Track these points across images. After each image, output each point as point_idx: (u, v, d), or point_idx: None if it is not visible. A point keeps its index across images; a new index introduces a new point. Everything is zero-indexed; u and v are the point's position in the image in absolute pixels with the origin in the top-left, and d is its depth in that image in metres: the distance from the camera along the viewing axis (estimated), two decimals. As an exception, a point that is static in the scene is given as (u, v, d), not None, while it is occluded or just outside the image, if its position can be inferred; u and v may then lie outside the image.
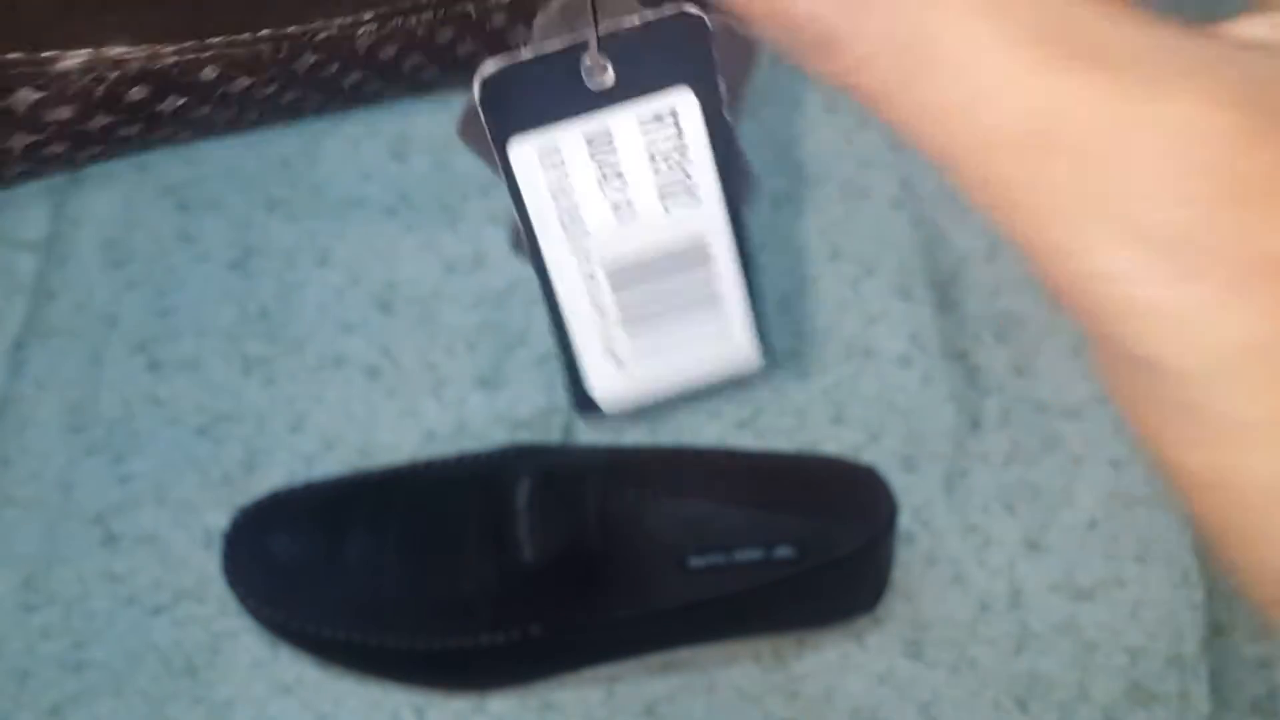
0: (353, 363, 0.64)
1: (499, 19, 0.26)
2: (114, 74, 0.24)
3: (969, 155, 0.18)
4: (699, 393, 0.30)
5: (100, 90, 0.25)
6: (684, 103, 0.25)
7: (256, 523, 0.58)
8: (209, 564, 0.58)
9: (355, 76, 0.26)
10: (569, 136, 0.25)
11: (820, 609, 0.58)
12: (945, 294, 0.66)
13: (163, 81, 0.25)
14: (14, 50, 0.24)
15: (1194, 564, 0.59)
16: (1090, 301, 0.19)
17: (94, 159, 0.27)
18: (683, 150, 0.26)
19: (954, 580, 0.59)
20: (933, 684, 0.57)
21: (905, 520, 0.60)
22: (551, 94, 0.25)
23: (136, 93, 0.25)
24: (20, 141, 0.26)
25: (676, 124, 0.25)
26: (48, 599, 0.58)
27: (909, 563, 0.59)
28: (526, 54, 0.24)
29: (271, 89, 0.26)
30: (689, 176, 0.26)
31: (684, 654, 0.57)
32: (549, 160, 0.25)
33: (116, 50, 0.24)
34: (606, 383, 0.29)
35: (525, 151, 0.25)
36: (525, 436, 0.62)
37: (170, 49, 0.25)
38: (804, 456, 0.61)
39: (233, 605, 0.57)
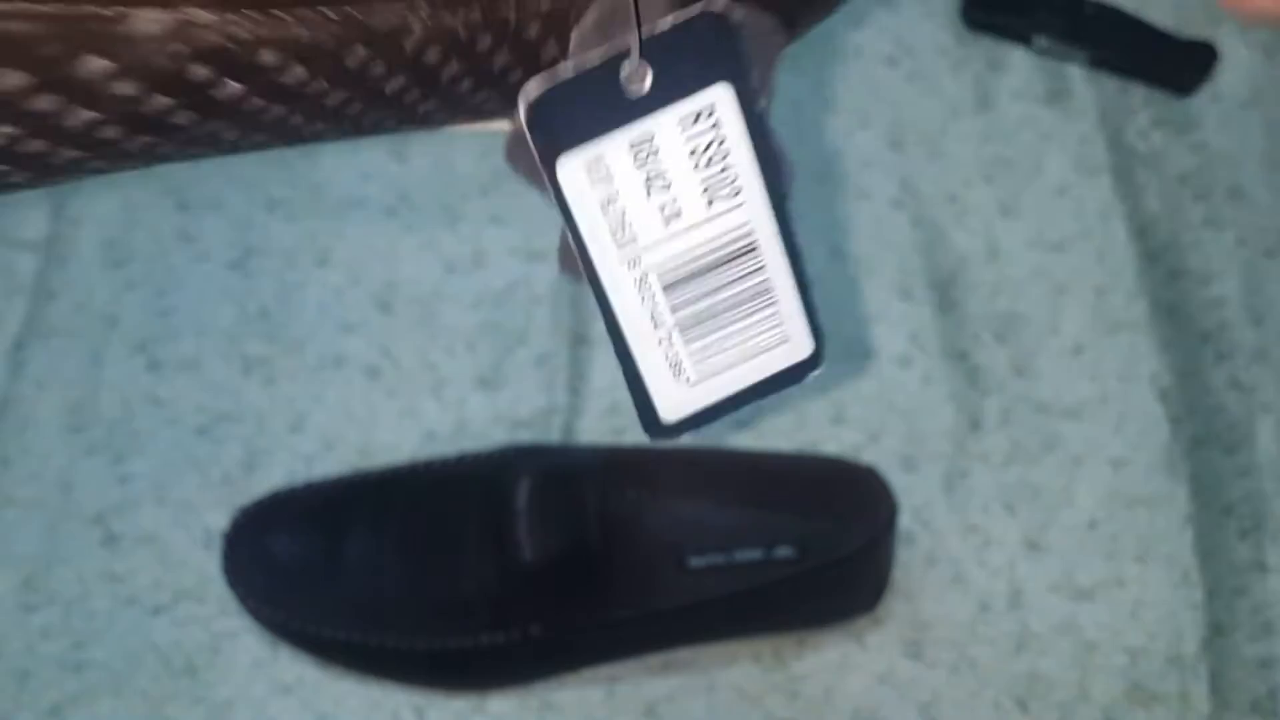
0: (353, 363, 0.64)
1: (534, 30, 0.25)
2: (181, 47, 0.22)
3: None
4: (762, 404, 0.29)
5: (164, 64, 0.22)
6: (721, 98, 0.25)
7: (256, 523, 0.58)
8: (209, 564, 0.58)
9: (399, 81, 0.24)
10: (614, 147, 0.25)
11: (820, 609, 0.58)
12: (945, 294, 0.66)
13: (223, 61, 0.22)
14: (85, 3, 0.20)
15: (1194, 564, 0.59)
16: None
17: (134, 157, 0.24)
18: (722, 146, 0.26)
19: (954, 580, 0.59)
20: (933, 684, 0.57)
21: (905, 520, 0.60)
22: (594, 107, 0.25)
23: (198, 71, 0.22)
24: (78, 119, 0.22)
25: (715, 120, 0.25)
26: (48, 599, 0.58)
27: (909, 563, 0.59)
28: (567, 71, 0.24)
29: (320, 85, 0.24)
30: (730, 172, 0.26)
31: (684, 654, 0.57)
32: (596, 173, 0.25)
33: (193, 14, 0.21)
34: (671, 400, 0.28)
35: (573, 168, 0.25)
36: (525, 436, 0.62)
37: (239, 19, 0.22)
38: (804, 456, 0.61)
39: (233, 605, 0.57)
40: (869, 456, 0.61)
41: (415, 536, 0.56)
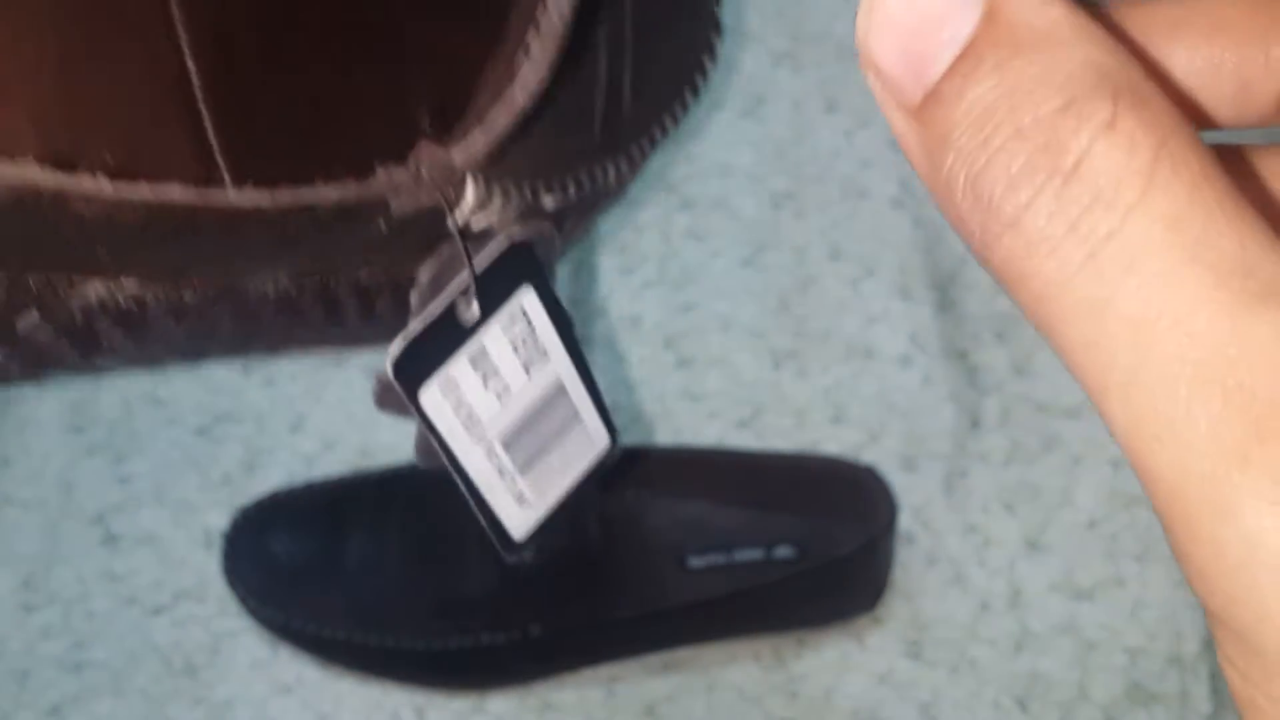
0: (353, 363, 0.64)
1: (344, 291, 0.31)
2: (100, 306, 0.25)
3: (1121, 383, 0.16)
4: (580, 490, 0.36)
5: (80, 319, 0.25)
6: (528, 299, 0.32)
7: (256, 523, 0.58)
8: (209, 564, 0.58)
9: (226, 325, 0.30)
10: (458, 366, 0.31)
11: (820, 609, 0.58)
12: (945, 294, 0.66)
13: (121, 318, 0.25)
14: (54, 273, 0.23)
15: (1194, 564, 0.59)
16: (1233, 580, 0.15)
17: (19, 378, 0.26)
18: (532, 330, 0.32)
19: (954, 580, 0.59)
20: (933, 684, 0.57)
21: (905, 520, 0.60)
22: (440, 344, 0.30)
23: (102, 324, 0.25)
24: None
25: (526, 315, 0.32)
26: (48, 599, 0.58)
27: (909, 563, 0.59)
28: (416, 326, 0.30)
29: (181, 329, 0.28)
30: (540, 344, 0.33)
31: (684, 654, 0.57)
32: (447, 390, 0.31)
33: (129, 285, 0.25)
34: (520, 524, 0.35)
35: (431, 393, 0.31)
36: (525, 436, 0.62)
37: (161, 290, 0.25)
38: (804, 456, 0.61)
39: (233, 605, 0.57)
40: (869, 456, 0.61)
41: (415, 536, 0.56)
